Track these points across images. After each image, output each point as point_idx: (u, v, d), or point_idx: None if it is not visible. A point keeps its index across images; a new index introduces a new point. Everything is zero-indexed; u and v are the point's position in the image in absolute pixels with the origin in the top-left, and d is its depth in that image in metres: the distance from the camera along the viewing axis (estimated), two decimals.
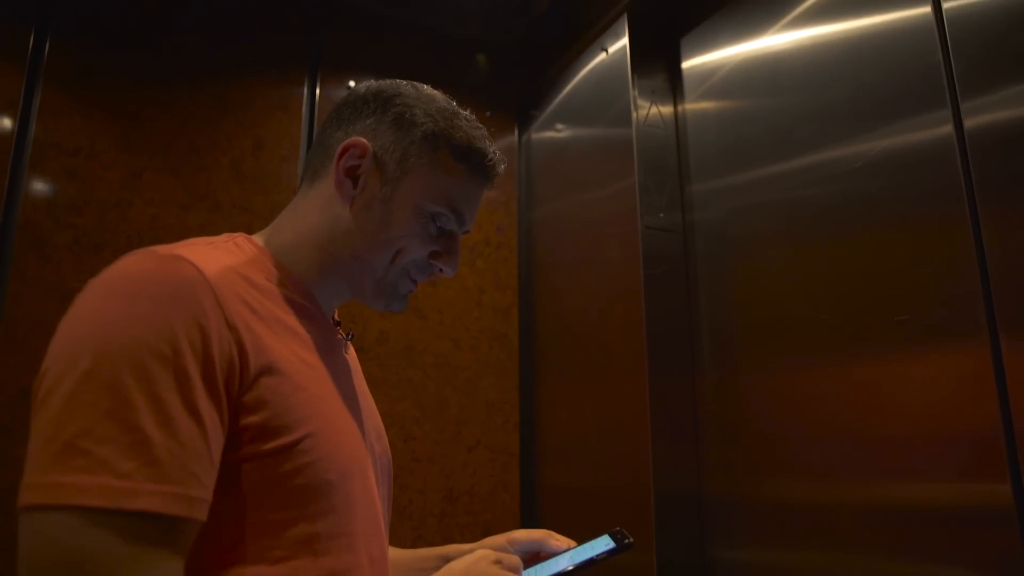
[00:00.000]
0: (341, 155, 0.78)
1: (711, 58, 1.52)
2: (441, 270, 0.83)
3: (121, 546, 0.53)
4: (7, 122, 1.52)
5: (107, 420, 0.54)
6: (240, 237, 0.78)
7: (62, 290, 1.48)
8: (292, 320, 0.73)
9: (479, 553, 0.73)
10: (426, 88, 0.84)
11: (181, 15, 1.73)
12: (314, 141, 0.86)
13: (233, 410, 0.63)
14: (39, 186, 1.53)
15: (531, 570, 0.78)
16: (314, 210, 0.80)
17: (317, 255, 0.79)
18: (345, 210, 0.78)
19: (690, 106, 1.57)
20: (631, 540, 0.81)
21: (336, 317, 0.88)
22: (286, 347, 0.70)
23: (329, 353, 0.78)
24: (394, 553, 0.95)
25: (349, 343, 0.90)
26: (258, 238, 0.81)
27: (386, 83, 0.83)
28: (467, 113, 0.83)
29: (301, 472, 0.66)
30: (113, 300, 0.60)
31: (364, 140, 0.78)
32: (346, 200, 0.78)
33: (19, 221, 1.49)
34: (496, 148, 0.84)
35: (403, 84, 0.83)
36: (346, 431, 0.74)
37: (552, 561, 0.79)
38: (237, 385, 0.63)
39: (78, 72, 1.60)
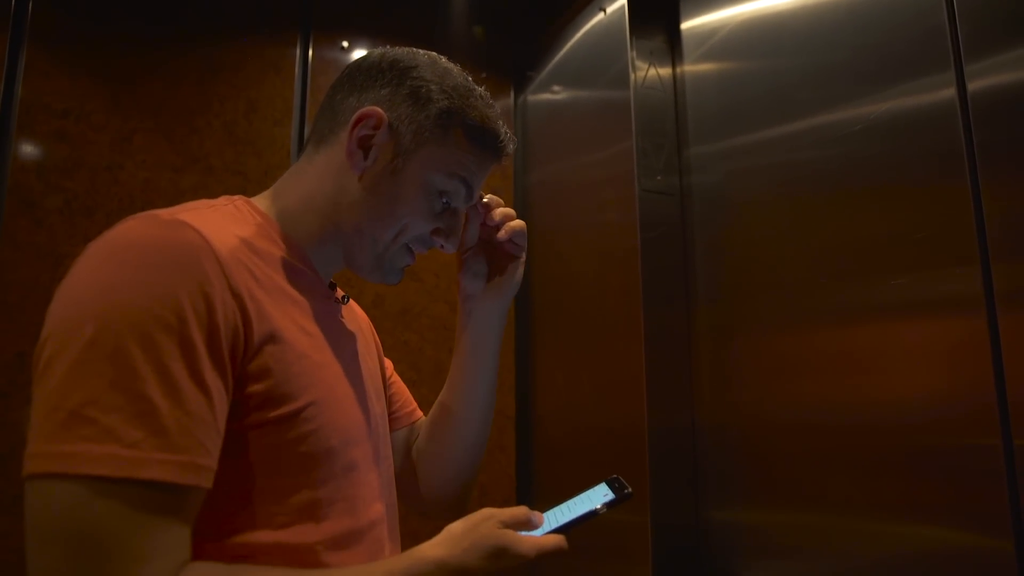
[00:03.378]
0: (356, 124, 0.76)
1: (711, 19, 1.49)
2: (442, 246, 0.84)
3: (130, 515, 0.53)
4: None
5: (113, 389, 0.54)
6: (239, 200, 0.77)
7: (54, 254, 1.47)
8: (291, 287, 0.73)
9: (484, 512, 0.72)
10: (443, 61, 0.82)
11: None
12: (322, 104, 0.84)
13: (238, 378, 0.63)
14: (28, 149, 1.51)
15: None
16: (321, 176, 0.79)
17: (319, 221, 0.78)
18: (353, 180, 0.77)
19: (689, 68, 1.54)
20: (630, 490, 0.79)
21: (332, 281, 0.88)
22: (286, 315, 0.69)
23: (327, 320, 0.78)
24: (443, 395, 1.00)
25: (352, 302, 0.90)
26: (258, 201, 0.80)
27: (402, 52, 0.81)
28: (482, 90, 0.82)
29: (305, 439, 0.66)
30: (116, 266, 0.59)
31: (380, 111, 0.77)
32: (356, 170, 0.77)
33: (8, 184, 1.47)
34: (507, 128, 0.83)
35: (420, 55, 0.81)
36: (346, 398, 0.74)
37: (550, 513, 0.79)
38: (242, 353, 0.63)
39: (64, 32, 1.56)
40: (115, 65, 1.60)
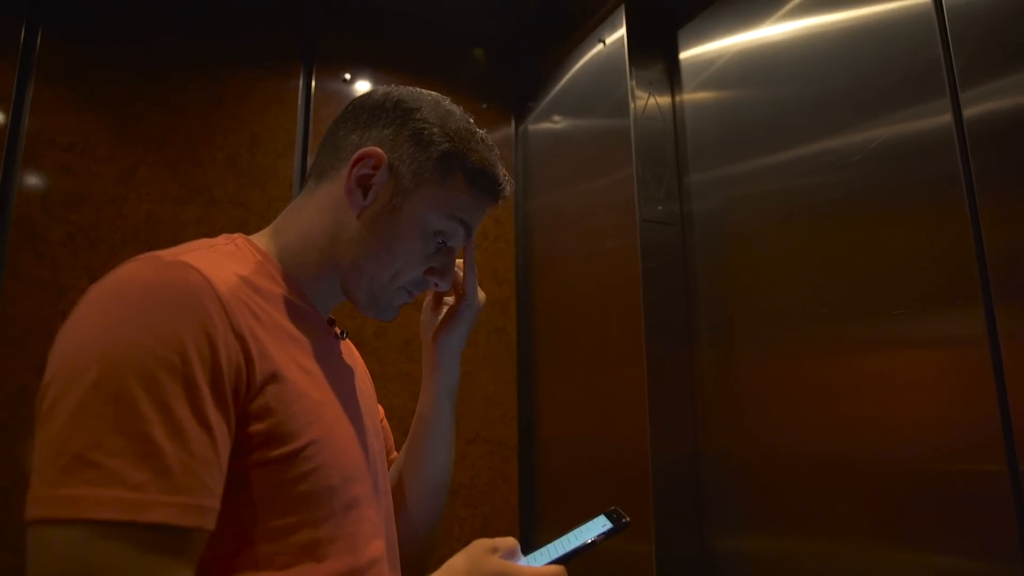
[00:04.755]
0: (356, 163, 0.77)
1: (708, 48, 1.51)
2: (436, 284, 0.84)
3: (135, 558, 0.53)
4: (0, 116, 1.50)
5: (116, 432, 0.54)
6: (239, 238, 0.78)
7: (57, 287, 1.47)
8: (292, 325, 0.73)
9: (482, 545, 0.73)
10: (446, 103, 0.83)
11: (174, 8, 1.71)
12: (324, 138, 0.85)
13: (240, 418, 0.62)
14: (33, 181, 1.52)
15: (530, 556, 0.78)
16: (320, 211, 0.80)
17: (317, 258, 0.79)
18: (352, 217, 0.78)
19: (688, 97, 1.56)
20: (628, 520, 0.81)
21: (330, 316, 0.88)
22: (287, 354, 0.70)
23: (326, 357, 0.78)
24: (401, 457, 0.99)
25: (347, 339, 0.89)
26: (258, 239, 0.80)
27: (407, 92, 0.82)
28: (483, 133, 0.84)
29: (305, 478, 0.66)
30: (119, 307, 0.59)
31: (380, 151, 0.77)
32: (355, 209, 0.78)
33: (13, 217, 1.48)
34: (505, 171, 0.85)
35: (425, 96, 0.82)
36: (346, 435, 0.74)
37: (550, 546, 0.79)
38: (244, 393, 0.63)
39: (71, 66, 1.59)
40: (120, 98, 1.62)
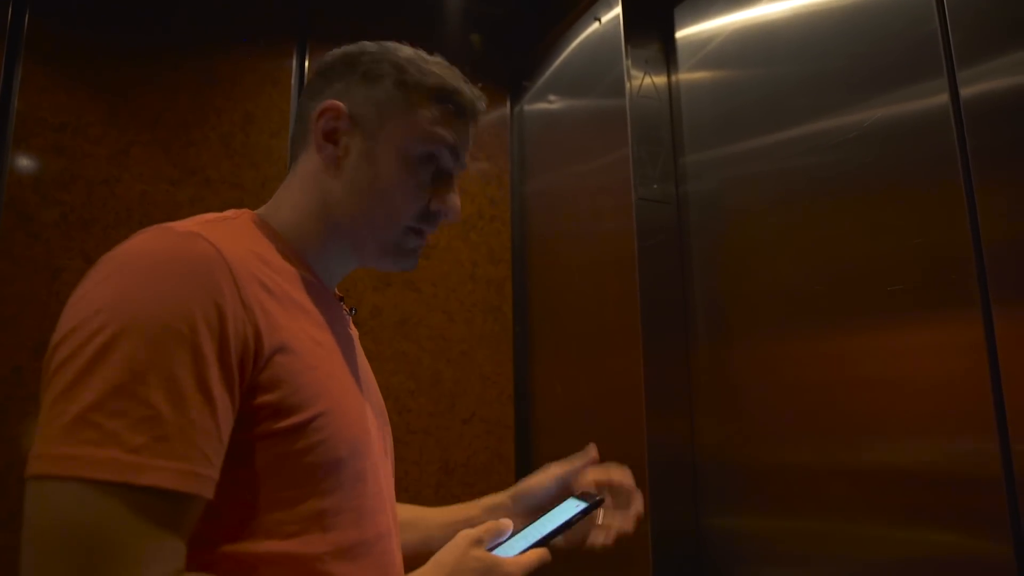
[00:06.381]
0: (317, 121, 0.78)
1: (705, 27, 1.50)
2: (444, 215, 0.81)
3: (128, 519, 0.53)
4: None
5: (119, 394, 0.54)
6: (247, 213, 0.78)
7: (51, 267, 1.46)
8: (302, 297, 0.73)
9: (465, 536, 0.74)
10: (391, 43, 0.83)
11: None
12: (295, 116, 0.85)
13: (247, 389, 0.63)
14: (24, 162, 1.51)
15: (508, 542, 0.77)
16: (304, 184, 0.80)
17: (316, 226, 0.79)
18: (333, 178, 0.78)
19: (684, 76, 1.55)
20: (601, 497, 0.82)
21: (338, 293, 0.88)
22: (297, 325, 0.70)
23: (337, 330, 0.78)
24: (421, 512, 0.98)
25: (350, 318, 0.89)
26: (265, 215, 0.81)
27: (351, 45, 0.83)
28: (437, 57, 0.83)
29: (313, 450, 0.66)
30: (130, 276, 0.60)
31: (336, 102, 0.78)
32: (330, 163, 0.78)
33: (5, 198, 1.47)
34: (472, 87, 0.83)
35: (367, 43, 0.82)
36: (354, 408, 0.74)
37: (527, 530, 0.79)
38: (251, 365, 0.63)
39: (60, 46, 1.57)
40: (112, 78, 1.60)
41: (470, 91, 0.82)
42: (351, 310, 0.88)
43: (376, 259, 0.81)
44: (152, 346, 0.56)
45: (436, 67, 0.80)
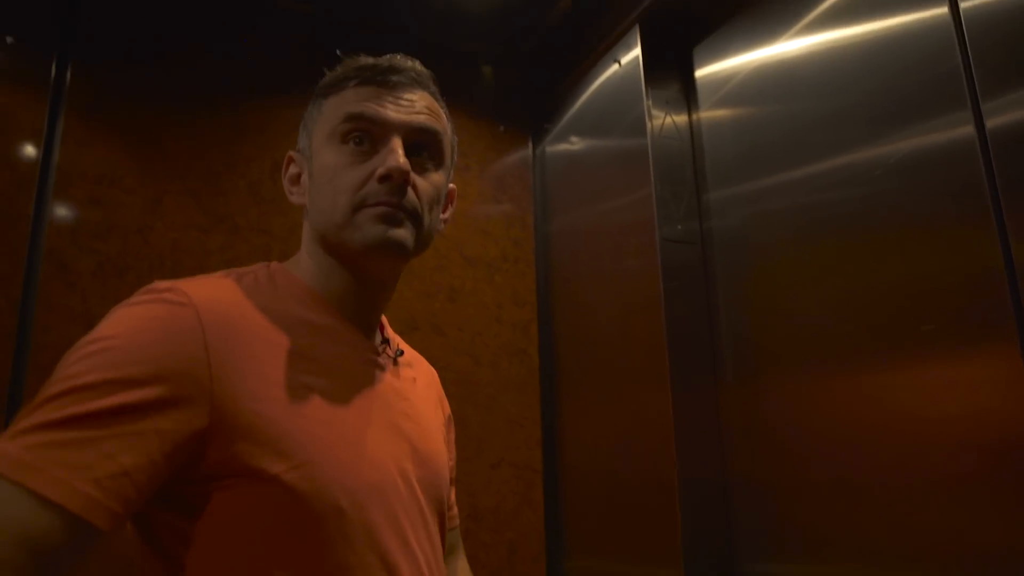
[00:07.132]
0: (284, 174, 0.88)
1: (724, 66, 1.51)
2: (389, 178, 0.76)
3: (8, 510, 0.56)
4: (32, 150, 1.54)
5: (57, 419, 0.60)
6: (275, 264, 0.83)
7: (87, 316, 1.50)
8: (305, 343, 0.73)
9: None
10: None
11: (197, 39, 1.75)
12: None
13: (199, 443, 0.64)
14: (63, 213, 1.55)
15: None
16: (303, 228, 0.86)
17: (317, 259, 0.82)
18: (309, 209, 0.83)
19: (705, 115, 1.56)
20: None
21: (386, 335, 0.88)
22: (286, 373, 0.70)
23: (352, 375, 0.77)
24: None
25: (418, 362, 0.91)
26: (289, 265, 0.85)
27: None
28: (363, 56, 0.86)
29: (299, 501, 0.65)
30: (105, 327, 0.66)
31: (290, 151, 0.88)
32: (298, 201, 0.85)
33: (44, 249, 1.52)
34: (387, 58, 0.85)
35: None
36: (352, 458, 0.71)
37: None
38: (206, 419, 0.64)
39: (99, 99, 1.62)
40: (146, 129, 1.65)
41: (373, 59, 0.84)
42: (398, 352, 0.87)
43: (360, 251, 0.77)
44: (100, 388, 0.61)
45: (349, 60, 0.85)
